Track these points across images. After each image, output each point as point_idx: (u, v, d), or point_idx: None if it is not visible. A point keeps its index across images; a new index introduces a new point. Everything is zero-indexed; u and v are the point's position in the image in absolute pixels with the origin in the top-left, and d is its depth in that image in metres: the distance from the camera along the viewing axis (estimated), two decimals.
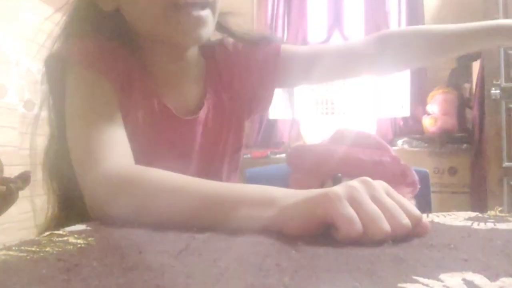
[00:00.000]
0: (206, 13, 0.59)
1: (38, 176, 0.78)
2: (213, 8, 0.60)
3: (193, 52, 0.68)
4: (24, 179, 1.08)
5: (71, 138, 0.56)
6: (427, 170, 0.90)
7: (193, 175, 0.49)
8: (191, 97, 0.69)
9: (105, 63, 0.59)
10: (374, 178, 0.66)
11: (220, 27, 0.72)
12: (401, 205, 0.38)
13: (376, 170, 0.68)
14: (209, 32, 0.61)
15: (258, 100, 0.74)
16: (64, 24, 0.65)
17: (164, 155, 0.63)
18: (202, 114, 0.67)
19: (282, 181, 0.77)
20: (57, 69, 0.61)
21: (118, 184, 0.49)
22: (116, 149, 0.53)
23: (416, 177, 0.72)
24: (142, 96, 0.63)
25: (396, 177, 0.69)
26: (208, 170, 0.67)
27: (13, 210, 1.24)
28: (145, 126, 0.63)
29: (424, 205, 0.74)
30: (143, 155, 0.55)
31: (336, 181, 0.67)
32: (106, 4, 0.61)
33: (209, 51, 0.72)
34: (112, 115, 0.56)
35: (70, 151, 0.55)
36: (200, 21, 0.58)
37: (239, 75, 0.72)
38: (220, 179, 0.68)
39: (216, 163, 0.69)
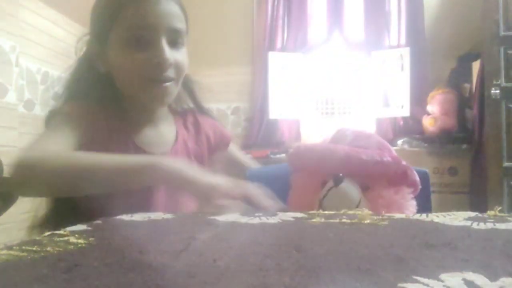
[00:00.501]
0: (170, 85, 0.80)
1: None
2: (176, 81, 0.82)
3: (163, 113, 0.90)
4: None
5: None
6: (427, 170, 0.89)
7: (159, 201, 0.80)
8: (163, 142, 0.88)
9: (84, 120, 0.77)
10: (375, 178, 0.67)
11: (191, 96, 0.97)
12: None
13: (377, 170, 0.67)
14: (172, 97, 0.84)
15: (214, 149, 0.99)
16: (67, 82, 0.84)
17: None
18: (172, 151, 0.87)
19: (283, 180, 0.78)
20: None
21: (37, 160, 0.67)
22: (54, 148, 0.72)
23: (417, 178, 0.70)
24: (119, 141, 0.81)
25: (397, 177, 0.68)
26: (172, 196, 0.83)
27: (13, 210, 1.24)
28: None
29: (424, 205, 0.74)
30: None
31: (337, 180, 0.66)
32: (101, 67, 0.82)
33: (181, 112, 0.97)
34: (68, 142, 0.74)
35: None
36: (166, 91, 0.80)
37: (203, 131, 0.97)
38: (183, 204, 0.82)
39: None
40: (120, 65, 0.78)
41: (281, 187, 0.75)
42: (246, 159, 1.10)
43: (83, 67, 0.84)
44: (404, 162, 0.69)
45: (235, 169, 1.05)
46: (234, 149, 1.06)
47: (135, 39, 0.76)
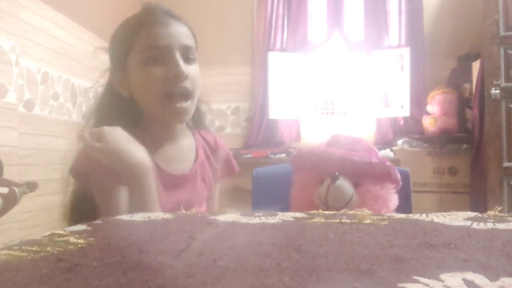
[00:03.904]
0: (188, 104, 0.86)
1: (39, 176, 0.88)
2: (192, 99, 0.87)
3: (183, 130, 0.95)
4: (30, 187, 1.11)
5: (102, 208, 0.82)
6: (408, 170, 0.98)
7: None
8: (182, 161, 0.93)
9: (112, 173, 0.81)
10: (364, 176, 0.79)
11: (198, 116, 1.02)
12: None
13: (366, 170, 0.80)
14: (190, 115, 0.89)
15: (220, 176, 1.03)
16: (94, 107, 0.92)
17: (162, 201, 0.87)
18: (191, 172, 0.91)
19: (286, 178, 0.92)
20: (81, 179, 0.84)
21: None
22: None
23: (399, 176, 0.84)
24: None
25: (383, 175, 0.81)
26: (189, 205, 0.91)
27: (14, 210, 1.24)
28: None
29: (406, 199, 0.86)
30: None
31: (334, 178, 0.78)
32: (124, 93, 0.88)
33: (202, 131, 1.02)
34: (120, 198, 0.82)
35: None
36: (184, 109, 0.86)
37: (220, 156, 1.02)
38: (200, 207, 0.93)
39: (196, 200, 0.93)
40: (140, 84, 0.85)
41: (283, 184, 0.91)
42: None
43: (107, 95, 0.92)
44: (388, 163, 0.83)
45: None
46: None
47: (151, 59, 0.83)
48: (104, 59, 0.94)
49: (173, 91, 0.84)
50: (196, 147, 0.97)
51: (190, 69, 0.86)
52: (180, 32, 0.87)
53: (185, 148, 0.95)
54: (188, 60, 0.87)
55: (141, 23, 0.86)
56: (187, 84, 0.85)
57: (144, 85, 0.85)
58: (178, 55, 0.84)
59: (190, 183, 0.91)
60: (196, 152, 0.96)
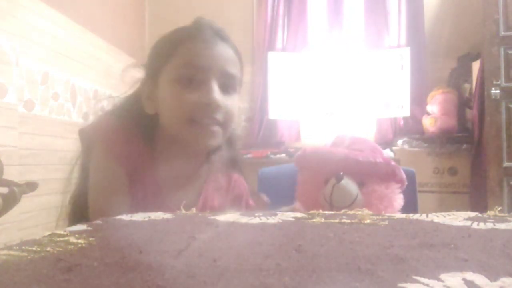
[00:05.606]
0: (216, 129, 0.77)
1: (39, 176, 0.87)
2: (224, 128, 0.78)
3: (198, 160, 0.85)
4: (30, 186, 1.11)
5: (91, 201, 0.75)
6: (414, 170, 0.98)
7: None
8: (187, 195, 0.82)
9: (120, 151, 0.76)
10: (369, 175, 0.78)
11: (230, 150, 0.89)
12: None
13: (371, 169, 0.80)
14: (217, 143, 0.79)
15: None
16: (112, 110, 0.84)
17: None
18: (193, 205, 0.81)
19: (291, 178, 0.93)
20: (87, 142, 0.80)
21: None
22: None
23: (404, 175, 0.83)
24: (145, 183, 0.78)
25: (388, 175, 0.81)
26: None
27: (14, 210, 1.25)
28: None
29: (411, 199, 0.87)
30: None
31: (339, 178, 0.77)
32: (149, 109, 0.81)
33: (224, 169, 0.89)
34: (120, 191, 0.75)
35: (89, 204, 0.75)
36: (212, 134, 0.77)
37: (238, 200, 0.90)
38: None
39: None
40: (168, 105, 0.77)
41: (289, 184, 0.92)
42: None
43: (129, 105, 0.83)
44: (393, 163, 0.83)
45: None
46: None
47: (186, 78, 0.76)
48: (134, 75, 0.86)
49: (200, 120, 0.76)
50: (203, 181, 0.86)
51: (226, 101, 0.77)
52: (225, 57, 0.79)
53: (193, 179, 0.85)
54: (226, 89, 0.78)
55: (184, 37, 0.78)
56: (218, 115, 0.76)
57: (171, 106, 0.77)
58: (214, 82, 0.76)
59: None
60: (202, 186, 0.85)
